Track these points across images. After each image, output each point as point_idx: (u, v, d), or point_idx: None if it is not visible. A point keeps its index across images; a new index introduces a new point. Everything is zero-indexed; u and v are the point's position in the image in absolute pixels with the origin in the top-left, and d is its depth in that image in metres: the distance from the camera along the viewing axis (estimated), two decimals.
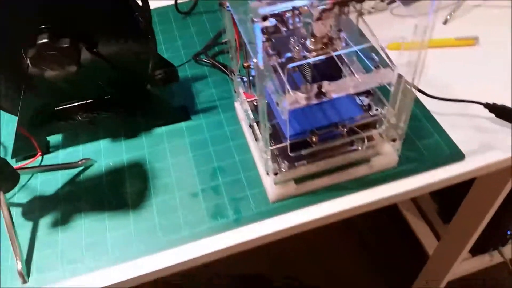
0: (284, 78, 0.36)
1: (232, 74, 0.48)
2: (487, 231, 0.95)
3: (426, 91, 0.51)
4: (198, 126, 0.51)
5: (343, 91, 0.36)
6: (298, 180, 0.44)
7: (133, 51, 0.46)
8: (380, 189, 0.44)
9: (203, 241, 0.42)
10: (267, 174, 0.42)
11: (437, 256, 1.03)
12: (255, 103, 0.47)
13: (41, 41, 0.41)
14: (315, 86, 0.36)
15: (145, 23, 0.45)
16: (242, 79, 0.48)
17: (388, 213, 1.26)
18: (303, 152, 0.41)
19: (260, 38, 0.30)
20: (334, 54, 0.36)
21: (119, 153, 0.50)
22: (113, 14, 0.44)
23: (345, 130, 0.42)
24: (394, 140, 0.43)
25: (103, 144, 0.51)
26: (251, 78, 0.47)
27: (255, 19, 0.29)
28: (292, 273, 1.20)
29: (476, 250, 1.06)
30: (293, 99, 0.35)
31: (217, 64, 0.58)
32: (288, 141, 0.40)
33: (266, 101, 0.43)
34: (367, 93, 0.45)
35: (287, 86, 0.36)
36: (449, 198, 1.02)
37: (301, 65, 0.41)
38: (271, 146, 0.42)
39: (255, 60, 0.33)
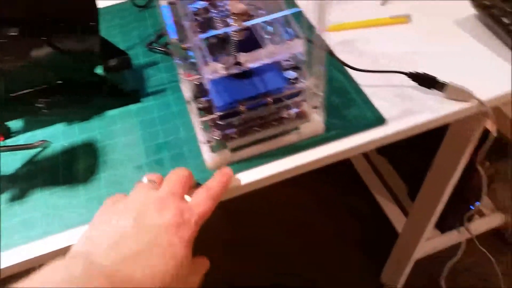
0: (204, 50, 0.40)
1: (174, 57, 0.52)
2: (452, 207, 0.99)
3: (361, 66, 0.55)
4: (148, 107, 0.56)
5: (257, 60, 0.41)
6: (234, 149, 0.48)
7: (80, 40, 0.50)
8: (309, 153, 0.49)
9: None
10: (202, 143, 0.47)
11: (406, 234, 1.07)
12: (196, 82, 0.51)
13: None
14: (232, 57, 0.40)
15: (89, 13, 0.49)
16: (182, 60, 0.52)
17: (361, 196, 1.30)
18: (233, 120, 0.46)
19: (168, 16, 0.34)
20: (245, 24, 0.40)
21: (74, 134, 0.54)
22: (60, 5, 0.48)
23: (271, 99, 0.46)
24: (316, 107, 0.47)
25: (60, 128, 0.55)
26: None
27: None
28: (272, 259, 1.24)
29: (444, 227, 1.11)
30: (213, 69, 0.40)
31: (168, 51, 0.62)
32: (217, 110, 0.44)
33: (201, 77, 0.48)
34: (295, 68, 0.49)
35: (207, 57, 0.40)
36: (418, 179, 1.05)
37: (228, 44, 0.45)
38: (204, 117, 0.46)
39: (174, 38, 0.37)
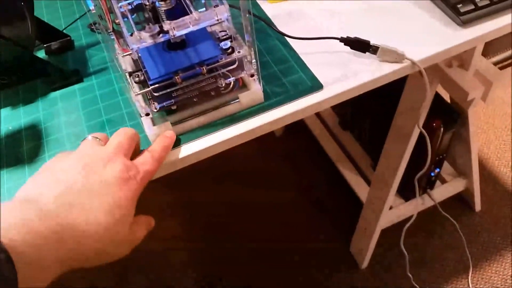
0: (131, 20, 0.40)
1: (108, 33, 0.52)
2: (413, 175, 1.02)
3: (300, 35, 0.56)
4: (90, 86, 0.56)
5: (183, 27, 0.41)
6: (176, 122, 0.49)
7: (13, 23, 0.50)
8: (250, 122, 0.50)
9: None
10: (141, 116, 0.47)
11: (370, 203, 1.10)
12: (133, 57, 0.52)
13: None
14: (156, 25, 0.41)
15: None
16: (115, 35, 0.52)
17: (326, 170, 1.33)
18: (169, 91, 0.46)
19: None
20: None
21: (18, 117, 0.54)
22: None
23: (206, 69, 0.46)
24: (252, 76, 0.48)
25: (3, 112, 0.55)
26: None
27: None
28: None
29: (408, 195, 1.14)
30: (138, 38, 0.40)
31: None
32: (152, 82, 0.45)
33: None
34: (230, 38, 0.50)
35: (133, 27, 0.40)
36: (381, 151, 1.08)
37: (157, 14, 0.46)
38: (139, 91, 0.46)
39: (91, 7, 0.37)
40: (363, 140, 1.26)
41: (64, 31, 0.62)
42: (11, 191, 0.47)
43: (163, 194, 1.34)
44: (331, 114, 1.35)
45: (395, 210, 1.12)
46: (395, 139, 0.93)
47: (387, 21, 0.58)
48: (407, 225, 0.90)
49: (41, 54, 0.60)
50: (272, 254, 1.22)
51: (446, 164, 1.17)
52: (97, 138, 0.43)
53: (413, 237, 1.22)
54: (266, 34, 0.59)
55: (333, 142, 1.30)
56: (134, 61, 0.50)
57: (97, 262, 0.36)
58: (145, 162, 0.42)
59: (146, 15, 0.48)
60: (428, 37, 0.55)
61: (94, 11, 0.37)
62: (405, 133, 0.89)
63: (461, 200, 1.27)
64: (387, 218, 1.10)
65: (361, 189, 1.18)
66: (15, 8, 0.49)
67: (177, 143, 0.49)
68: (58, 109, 0.54)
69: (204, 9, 0.49)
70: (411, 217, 1.12)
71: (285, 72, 0.54)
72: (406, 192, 1.14)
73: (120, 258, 0.38)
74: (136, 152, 0.45)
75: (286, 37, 0.57)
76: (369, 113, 1.17)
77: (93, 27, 0.63)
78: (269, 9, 0.62)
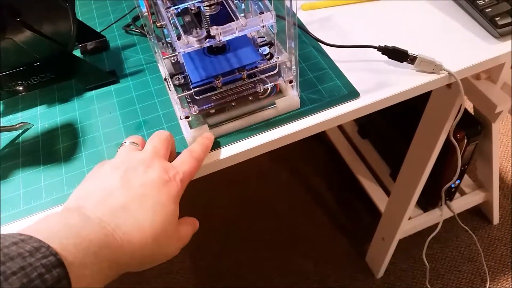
0: (177, 23, 0.41)
1: (149, 35, 0.52)
2: (433, 186, 1.01)
3: (335, 42, 0.56)
4: (126, 87, 0.56)
5: (229, 33, 0.42)
6: (213, 125, 0.49)
7: (56, 22, 0.51)
8: (286, 127, 0.50)
9: None
10: (180, 119, 0.48)
11: (389, 212, 1.10)
12: (172, 60, 0.52)
13: None
14: (204, 30, 0.41)
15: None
16: (157, 38, 0.52)
17: (342, 177, 1.32)
18: (209, 95, 0.47)
19: None
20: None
21: (54, 116, 0.55)
22: None
23: (245, 74, 0.47)
24: (291, 82, 0.48)
25: (40, 109, 0.56)
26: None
27: None
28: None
29: (427, 206, 1.13)
30: (185, 42, 0.41)
31: (144, 32, 0.62)
32: (193, 85, 0.45)
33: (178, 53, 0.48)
34: (269, 44, 0.50)
35: (180, 31, 0.41)
36: (401, 161, 1.07)
37: (201, 19, 0.46)
38: (180, 93, 0.47)
39: (144, 10, 0.38)
40: (382, 149, 1.25)
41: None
42: (48, 188, 0.48)
43: None
44: (350, 122, 1.34)
45: (414, 221, 1.11)
46: (418, 149, 0.93)
47: (422, 32, 0.58)
48: (431, 236, 0.90)
49: (76, 53, 0.61)
50: (285, 261, 1.22)
51: (464, 176, 1.16)
52: (134, 143, 0.44)
53: (429, 248, 1.21)
54: (301, 40, 0.59)
55: (351, 150, 1.30)
56: (173, 64, 0.50)
57: (147, 263, 0.36)
58: (184, 161, 0.42)
59: (187, 19, 0.49)
60: (464, 49, 0.55)
61: (146, 13, 0.38)
62: (429, 143, 0.89)
63: (478, 213, 1.26)
64: (406, 228, 1.10)
65: (380, 198, 1.18)
66: (60, 8, 0.50)
67: (217, 146, 0.49)
68: (94, 108, 0.55)
69: (242, 14, 0.50)
70: (429, 227, 1.12)
71: (320, 79, 0.54)
72: (423, 202, 1.13)
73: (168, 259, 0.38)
74: (172, 154, 0.45)
75: (321, 44, 0.57)
76: (389, 122, 1.16)
77: (128, 28, 0.63)
78: (303, 16, 0.63)
